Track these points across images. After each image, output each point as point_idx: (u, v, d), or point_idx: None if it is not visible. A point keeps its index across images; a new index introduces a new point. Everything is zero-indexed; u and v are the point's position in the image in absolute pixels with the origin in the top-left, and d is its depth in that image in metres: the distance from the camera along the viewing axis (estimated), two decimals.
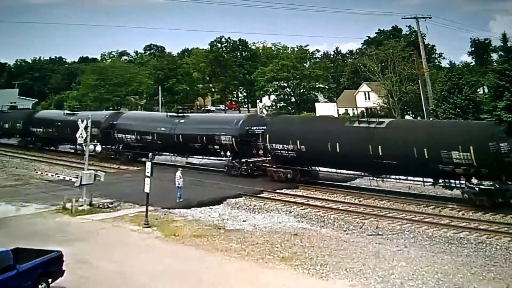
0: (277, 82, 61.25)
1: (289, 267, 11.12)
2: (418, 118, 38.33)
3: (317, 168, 21.81)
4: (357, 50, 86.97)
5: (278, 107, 60.28)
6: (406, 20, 38.52)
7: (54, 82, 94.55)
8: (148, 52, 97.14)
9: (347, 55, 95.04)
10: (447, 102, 28.41)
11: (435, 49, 77.76)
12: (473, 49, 76.86)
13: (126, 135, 26.96)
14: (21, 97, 76.10)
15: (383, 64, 45.11)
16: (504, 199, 16.24)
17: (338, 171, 21.05)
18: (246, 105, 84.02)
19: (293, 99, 61.06)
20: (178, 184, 17.74)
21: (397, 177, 19.22)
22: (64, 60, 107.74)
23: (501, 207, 16.13)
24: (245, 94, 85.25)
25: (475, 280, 10.28)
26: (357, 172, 21.01)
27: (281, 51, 78.43)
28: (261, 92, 66.78)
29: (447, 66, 37.06)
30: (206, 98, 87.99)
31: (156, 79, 70.33)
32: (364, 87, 62.95)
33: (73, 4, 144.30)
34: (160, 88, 64.55)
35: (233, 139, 22.44)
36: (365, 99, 62.89)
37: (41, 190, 20.57)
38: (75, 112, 33.44)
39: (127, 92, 70.95)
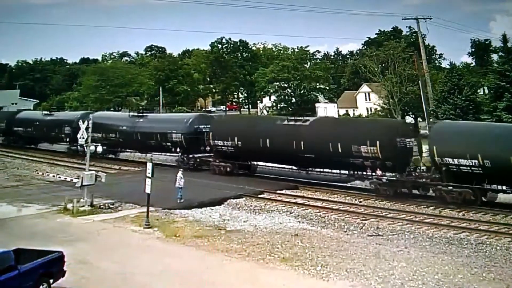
0: (277, 83, 61.30)
1: (290, 267, 11.15)
2: (419, 119, 38.36)
3: (254, 162, 23.85)
4: (358, 51, 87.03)
5: (278, 108, 60.35)
6: (406, 20, 38.51)
7: (55, 83, 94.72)
8: (149, 53, 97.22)
9: (348, 56, 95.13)
10: (447, 102, 28.49)
11: (436, 50, 77.77)
12: (473, 49, 76.89)
13: (95, 134, 28.40)
14: (22, 98, 76.35)
15: (383, 65, 45.13)
16: (408, 189, 18.09)
17: (270, 164, 23.40)
18: (247, 106, 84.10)
19: (293, 100, 61.10)
20: (179, 184, 17.78)
21: (320, 170, 21.31)
22: (65, 61, 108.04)
23: (402, 196, 18.04)
24: (245, 95, 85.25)
25: (476, 280, 10.29)
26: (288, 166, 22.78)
27: (282, 52, 78.52)
28: (262, 93, 66.82)
29: (448, 67, 37.19)
30: (206, 99, 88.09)
31: (157, 80, 70.40)
32: (365, 88, 62.98)
33: (74, 5, 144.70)
34: (161, 89, 64.61)
35: (183, 136, 24.70)
36: (366, 100, 62.94)
37: (42, 190, 20.63)
38: (52, 113, 35.88)
39: (128, 93, 71.03)
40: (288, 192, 20.12)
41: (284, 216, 16.40)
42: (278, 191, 20.07)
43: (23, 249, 9.78)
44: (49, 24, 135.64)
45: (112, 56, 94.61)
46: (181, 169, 18.90)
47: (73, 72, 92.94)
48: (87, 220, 15.66)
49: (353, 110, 64.99)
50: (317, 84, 61.53)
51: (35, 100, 79.35)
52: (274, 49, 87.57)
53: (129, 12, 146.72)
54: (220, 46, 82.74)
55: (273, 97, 64.05)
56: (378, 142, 18.08)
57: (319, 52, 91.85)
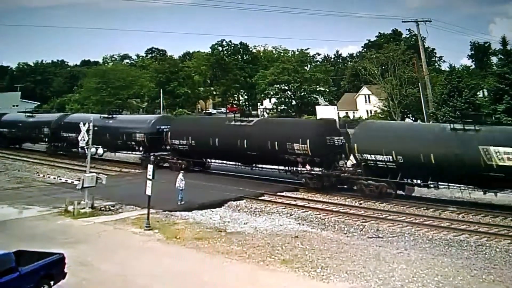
0: (278, 85, 61.48)
1: (290, 269, 11.17)
2: (419, 121, 38.41)
3: (208, 160, 25.63)
4: (358, 54, 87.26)
5: (279, 110, 60.46)
6: (406, 23, 38.70)
7: (56, 85, 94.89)
8: (150, 55, 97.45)
9: (348, 59, 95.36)
10: (447, 105, 28.53)
11: (435, 53, 78.04)
12: (473, 52, 77.12)
13: (70, 134, 30.77)
14: (24, 100, 76.53)
15: (383, 67, 45.25)
16: (329, 182, 19.99)
17: (220, 161, 24.94)
18: (247, 108, 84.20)
19: (293, 102, 61.23)
20: (180, 186, 17.81)
21: (263, 166, 23.09)
22: (66, 63, 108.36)
23: (329, 189, 19.94)
24: (246, 97, 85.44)
25: (475, 282, 10.31)
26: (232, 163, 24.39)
27: (282, 54, 78.75)
28: (262, 95, 67.02)
29: (447, 69, 37.22)
30: (207, 101, 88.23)
31: (158, 82, 70.55)
32: (365, 90, 63.10)
33: (75, 7, 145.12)
34: (161, 91, 64.74)
35: (145, 136, 26.72)
36: (366, 102, 63.04)
37: (43, 192, 20.64)
38: (34, 115, 38.25)
39: (128, 95, 71.15)
40: (288, 194, 20.15)
41: (284, 218, 16.42)
42: (278, 193, 20.10)
43: (24, 251, 9.78)
44: (50, 26, 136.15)
45: (113, 59, 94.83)
46: (182, 171, 18.94)
47: (74, 74, 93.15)
48: (87, 222, 15.68)
49: (353, 112, 65.07)
50: (317, 86, 61.69)
51: (36, 102, 79.51)
52: (274, 51, 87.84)
53: (130, 14, 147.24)
54: (220, 48, 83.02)
55: (273, 99, 64.22)
56: (308, 140, 20.00)
57: (319, 54, 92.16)
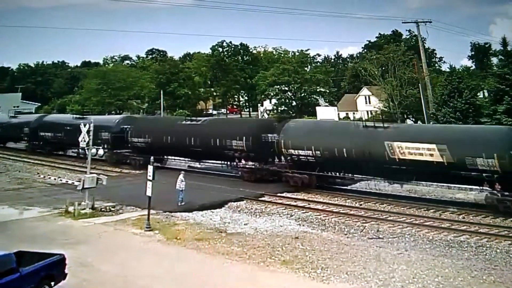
0: (278, 86, 61.44)
1: (290, 270, 11.17)
2: (419, 122, 38.42)
3: (165, 156, 27.72)
4: (358, 54, 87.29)
5: (279, 111, 60.44)
6: (406, 24, 38.72)
7: (57, 86, 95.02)
8: (150, 56, 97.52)
9: (348, 59, 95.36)
10: (447, 106, 28.51)
11: (436, 53, 78.02)
12: (473, 53, 77.06)
13: (46, 133, 34.72)
14: (24, 101, 76.65)
15: (383, 68, 45.24)
16: (262, 176, 22.07)
17: (176, 158, 27.11)
18: (248, 109, 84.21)
19: (294, 103, 61.21)
20: (180, 187, 17.81)
21: (209, 161, 25.86)
22: (66, 64, 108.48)
23: (264, 182, 21.75)
24: (246, 98, 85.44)
25: (476, 283, 10.32)
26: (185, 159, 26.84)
27: (282, 55, 78.75)
28: (262, 96, 67.00)
29: (447, 70, 37.20)
30: (207, 102, 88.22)
31: (158, 83, 70.57)
32: (365, 91, 63.10)
33: (75, 9, 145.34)
34: (162, 92, 64.75)
35: (110, 135, 28.90)
36: (366, 103, 63.03)
37: (44, 193, 20.68)
38: (17, 115, 41.36)
39: (129, 96, 71.19)
40: (288, 195, 20.16)
41: (284, 219, 16.43)
42: (279, 194, 20.12)
43: (24, 252, 9.80)
44: (51, 27, 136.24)
45: (114, 60, 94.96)
46: (182, 172, 18.96)
47: (75, 75, 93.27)
48: (88, 223, 15.70)
49: (353, 113, 65.04)
50: (318, 87, 61.65)
51: (36, 103, 79.60)
52: (274, 52, 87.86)
53: (130, 15, 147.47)
54: (221, 49, 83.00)
55: (273, 100, 64.20)
56: (244, 137, 22.30)
57: (319, 55, 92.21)
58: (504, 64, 26.21)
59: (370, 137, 18.65)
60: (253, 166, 22.17)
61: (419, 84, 35.66)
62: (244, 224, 15.66)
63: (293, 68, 60.00)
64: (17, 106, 68.16)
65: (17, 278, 8.74)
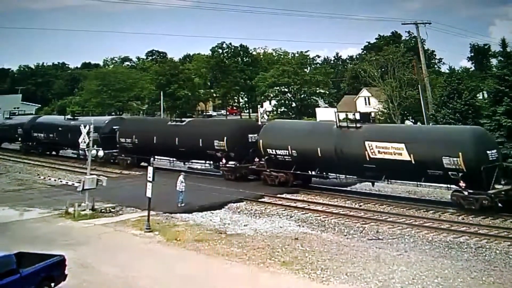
0: (278, 88, 61.49)
1: (290, 271, 11.19)
2: (418, 123, 38.45)
3: (152, 156, 28.44)
4: (357, 56, 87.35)
5: (279, 112, 60.49)
6: (405, 25, 38.78)
7: (57, 88, 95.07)
8: (150, 57, 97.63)
9: (347, 61, 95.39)
10: (446, 107, 28.47)
11: (435, 55, 78.05)
12: (472, 54, 77.09)
13: (39, 134, 35.91)
14: (24, 102, 76.63)
15: (383, 69, 45.27)
16: (242, 174, 22.89)
17: (162, 158, 27.87)
18: (247, 110, 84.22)
19: (294, 104, 61.26)
20: (180, 188, 17.83)
21: (194, 161, 26.97)
22: (67, 65, 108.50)
23: (244, 180, 22.59)
24: (246, 99, 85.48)
25: (475, 284, 10.34)
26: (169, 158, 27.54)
27: (282, 56, 78.85)
28: (262, 97, 67.02)
29: (447, 71, 37.18)
30: (207, 103, 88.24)
31: (158, 85, 70.60)
32: (364, 92, 63.14)
33: (76, 10, 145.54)
34: (162, 93, 64.81)
35: (99, 135, 28.89)
36: (365, 104, 63.04)
37: (44, 195, 20.69)
38: (11, 117, 42.05)
39: (129, 98, 71.25)
40: (288, 196, 20.19)
41: (284, 220, 16.45)
42: (278, 195, 20.14)
43: (24, 253, 9.82)
44: (51, 29, 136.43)
45: (114, 61, 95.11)
46: (183, 173, 19.00)
47: (75, 76, 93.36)
48: (88, 224, 15.72)
49: (353, 114, 64.96)
50: (317, 88, 61.71)
51: (37, 104, 79.60)
52: (274, 53, 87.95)
53: (130, 17, 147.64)
54: (220, 51, 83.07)
55: (273, 102, 64.24)
56: (225, 138, 23.12)
57: (319, 56, 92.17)
58: (503, 65, 26.17)
59: (343, 137, 19.44)
60: (233, 166, 23.02)
61: (419, 86, 35.65)
62: (244, 225, 15.68)
63: (292, 69, 60.07)
64: (18, 108, 68.19)
65: (17, 279, 8.76)
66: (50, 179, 25.08)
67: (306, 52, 69.01)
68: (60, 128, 33.52)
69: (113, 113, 66.54)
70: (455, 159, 16.20)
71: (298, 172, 20.97)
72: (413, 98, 40.68)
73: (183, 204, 17.75)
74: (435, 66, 73.97)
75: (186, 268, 11.53)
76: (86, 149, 18.83)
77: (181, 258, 12.29)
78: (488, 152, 16.56)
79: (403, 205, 18.14)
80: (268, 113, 62.03)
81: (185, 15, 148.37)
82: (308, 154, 20.19)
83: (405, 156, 17.35)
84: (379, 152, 18.04)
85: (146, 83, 72.58)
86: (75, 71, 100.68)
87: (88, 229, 15.09)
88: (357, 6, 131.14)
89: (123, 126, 29.64)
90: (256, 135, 22.73)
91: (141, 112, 71.45)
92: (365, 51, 74.72)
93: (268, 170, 21.68)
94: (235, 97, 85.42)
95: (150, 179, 14.86)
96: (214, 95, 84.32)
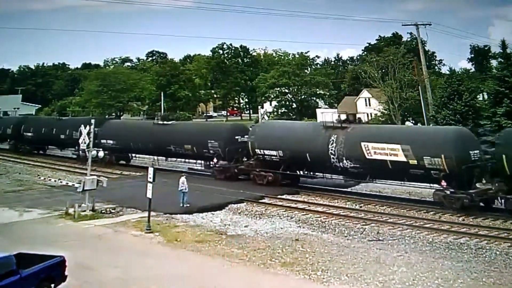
0: (278, 89, 61.51)
1: (291, 272, 11.18)
2: (419, 124, 38.45)
3: (132, 154, 30.62)
4: (358, 57, 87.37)
5: (279, 113, 60.51)
6: (406, 26, 38.75)
7: (57, 88, 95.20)
8: (151, 58, 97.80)
9: (348, 62, 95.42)
10: (447, 108, 28.50)
11: (435, 56, 78.09)
12: (472, 55, 77.17)
13: (28, 133, 37.54)
14: (24, 103, 76.74)
15: (383, 70, 45.26)
16: (232, 174, 23.42)
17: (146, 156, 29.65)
18: (248, 111, 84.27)
19: (294, 105, 61.29)
20: (183, 189, 17.79)
21: (180, 159, 27.92)
22: (67, 66, 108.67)
23: (234, 180, 23.04)
24: (246, 100, 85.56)
25: (475, 285, 10.33)
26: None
27: (282, 57, 78.93)
28: (263, 98, 67.04)
29: (447, 72, 37.22)
30: (208, 104, 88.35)
31: (159, 85, 70.69)
32: (365, 93, 63.14)
33: (76, 11, 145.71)
34: (162, 94, 64.88)
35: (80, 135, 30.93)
36: (366, 105, 63.04)
37: (44, 195, 20.68)
38: (3, 117, 44.81)
39: (129, 98, 71.30)
40: (288, 197, 20.17)
41: (284, 221, 16.43)
42: (279, 196, 20.13)
43: (24, 254, 9.80)
44: (51, 29, 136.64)
45: (114, 62, 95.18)
46: (184, 174, 18.99)
47: (75, 77, 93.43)
48: (88, 224, 15.71)
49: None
50: (317, 89, 61.73)
51: (37, 105, 79.67)
52: (274, 54, 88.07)
53: (131, 17, 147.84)
54: (221, 51, 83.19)
55: (274, 103, 64.26)
56: (219, 138, 24.19)
57: (318, 57, 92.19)
58: (503, 66, 26.25)
59: (328, 137, 19.93)
60: (224, 166, 23.88)
61: (419, 87, 35.67)
62: (245, 226, 15.66)
63: (292, 70, 60.11)
64: (18, 108, 68.30)
65: (17, 280, 8.74)
66: (50, 179, 25.07)
67: (306, 53, 69.07)
68: (46, 128, 35.33)
69: (113, 114, 66.73)
70: (436, 159, 16.50)
71: (286, 172, 21.51)
72: (413, 99, 40.68)
73: (187, 205, 17.70)
74: (436, 67, 74.00)
75: (186, 269, 11.52)
76: (86, 150, 18.80)
77: (181, 259, 12.29)
78: (470, 152, 16.79)
79: (403, 206, 18.11)
80: (268, 114, 62.13)
81: (186, 15, 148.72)
82: (296, 154, 20.80)
83: (393, 157, 17.71)
84: (375, 153, 18.29)
85: (146, 83, 72.65)
86: (75, 71, 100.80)
87: (88, 230, 15.08)
88: (357, 7, 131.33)
89: (103, 127, 30.20)
90: (247, 136, 23.55)
91: (142, 112, 71.44)
92: (365, 52, 74.76)
93: (257, 170, 22.31)
94: (236, 98, 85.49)
95: (151, 180, 14.86)
96: (215, 96, 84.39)
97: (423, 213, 17.23)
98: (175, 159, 28.12)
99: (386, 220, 16.37)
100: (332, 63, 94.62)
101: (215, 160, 24.05)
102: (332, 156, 19.49)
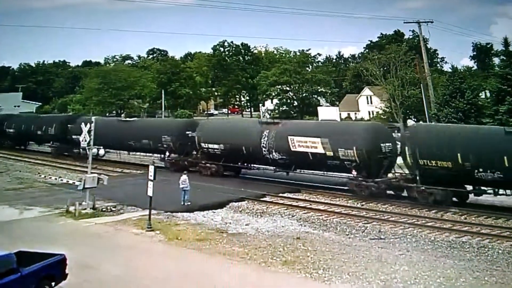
0: (279, 86, 61.36)
1: (292, 270, 11.14)
2: (421, 122, 38.37)
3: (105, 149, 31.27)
4: (359, 54, 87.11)
5: (280, 111, 60.38)
6: (408, 24, 38.61)
7: (57, 86, 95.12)
8: (151, 56, 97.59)
9: (350, 59, 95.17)
10: (449, 106, 28.43)
11: (437, 54, 77.90)
12: (474, 53, 76.92)
13: (9, 129, 40.05)
14: (25, 100, 76.83)
15: (385, 68, 45.13)
16: (181, 165, 24.77)
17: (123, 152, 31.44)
18: (249, 109, 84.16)
19: (295, 103, 61.15)
20: (184, 187, 17.75)
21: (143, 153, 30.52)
22: (67, 63, 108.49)
23: (181, 170, 22.28)
24: (247, 98, 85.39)
25: (477, 284, 10.28)
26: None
27: (283, 55, 78.71)
28: (264, 96, 66.90)
29: (449, 70, 37.14)
30: (209, 102, 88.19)
31: (159, 83, 70.59)
32: (367, 91, 63.04)
33: (77, 8, 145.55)
34: (163, 92, 64.79)
35: (55, 132, 34.83)
36: (368, 103, 62.95)
37: (45, 193, 20.67)
38: None
39: (130, 96, 71.26)
40: (290, 195, 20.13)
41: (286, 219, 16.39)
42: (280, 194, 20.09)
43: (25, 252, 9.76)
44: (52, 27, 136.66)
45: (115, 59, 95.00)
46: (185, 172, 18.94)
47: (76, 75, 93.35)
48: (89, 223, 15.68)
49: (355, 113, 64.95)
50: (319, 87, 61.54)
51: (37, 102, 79.70)
52: (275, 52, 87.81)
53: (131, 15, 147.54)
54: (222, 49, 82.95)
55: (275, 100, 64.12)
56: (171, 134, 26.36)
57: (320, 55, 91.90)
58: (506, 64, 26.14)
59: (262, 132, 21.93)
60: (175, 158, 26.15)
61: (421, 85, 35.57)
62: (246, 225, 15.63)
63: (293, 68, 59.93)
64: (18, 106, 68.34)
65: (18, 278, 8.71)
66: (50, 177, 25.04)
67: (307, 50, 68.77)
68: (25, 125, 38.19)
69: (113, 112, 66.70)
70: (349, 151, 18.65)
71: (227, 164, 23.56)
72: (415, 97, 40.59)
73: (189, 203, 17.66)
74: (438, 65, 73.78)
75: (187, 267, 11.48)
76: (87, 148, 18.76)
77: (182, 257, 12.25)
78: (382, 145, 18.67)
79: (405, 205, 18.05)
80: (269, 112, 61.98)
81: (187, 13, 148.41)
82: (234, 147, 22.97)
83: (314, 149, 19.75)
84: (299, 145, 20.26)
85: (147, 81, 72.56)
86: (76, 69, 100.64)
87: (89, 228, 15.06)
88: (359, 4, 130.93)
89: (77, 123, 31.98)
90: (195, 131, 25.42)
91: (142, 110, 71.42)
92: (367, 50, 74.54)
93: (203, 162, 24.44)
94: (237, 96, 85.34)
95: (152, 178, 14.81)
96: (216, 93, 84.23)
97: (425, 212, 17.17)
98: (137, 153, 30.69)
99: (387, 218, 16.32)
100: (334, 60, 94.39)
101: (167, 153, 26.34)
102: (263, 148, 21.70)
